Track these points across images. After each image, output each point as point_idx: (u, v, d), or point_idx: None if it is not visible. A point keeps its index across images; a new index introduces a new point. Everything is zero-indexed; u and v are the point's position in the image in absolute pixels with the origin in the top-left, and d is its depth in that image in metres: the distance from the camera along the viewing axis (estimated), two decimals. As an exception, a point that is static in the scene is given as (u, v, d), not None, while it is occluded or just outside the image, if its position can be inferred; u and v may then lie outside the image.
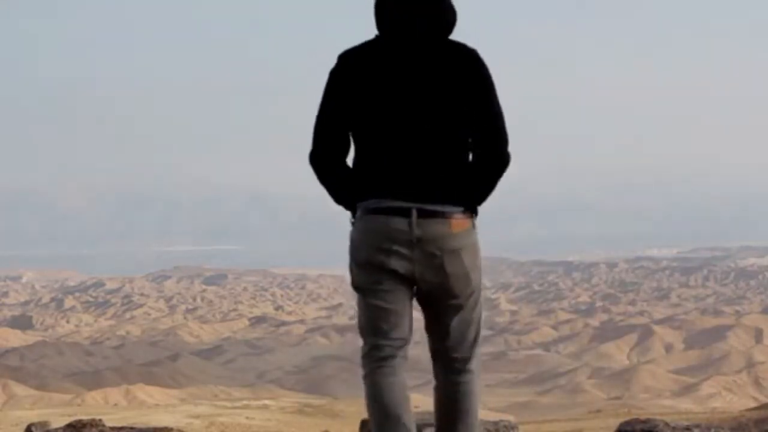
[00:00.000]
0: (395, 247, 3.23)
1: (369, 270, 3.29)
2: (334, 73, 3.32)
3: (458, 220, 3.27)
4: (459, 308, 3.33)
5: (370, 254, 3.27)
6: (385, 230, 3.24)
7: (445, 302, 3.32)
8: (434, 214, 3.23)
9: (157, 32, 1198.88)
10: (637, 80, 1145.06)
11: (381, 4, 3.32)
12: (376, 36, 3.33)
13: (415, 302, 3.40)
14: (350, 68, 3.28)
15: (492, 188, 3.33)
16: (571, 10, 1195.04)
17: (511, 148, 3.33)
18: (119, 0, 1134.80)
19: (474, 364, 3.43)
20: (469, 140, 3.29)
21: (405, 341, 3.34)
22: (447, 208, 3.25)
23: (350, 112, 3.28)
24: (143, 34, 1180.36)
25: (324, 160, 3.32)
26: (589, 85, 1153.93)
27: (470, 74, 3.23)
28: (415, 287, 3.32)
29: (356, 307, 3.42)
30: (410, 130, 3.22)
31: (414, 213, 3.22)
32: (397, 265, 3.25)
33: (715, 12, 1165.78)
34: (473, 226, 3.34)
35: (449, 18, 3.27)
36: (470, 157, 3.31)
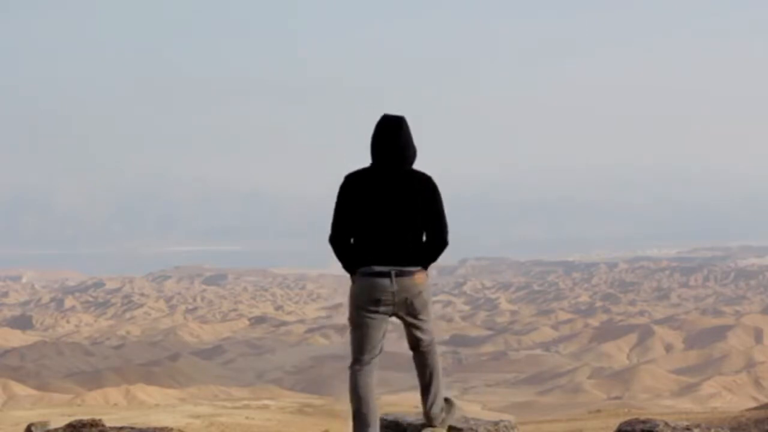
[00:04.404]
0: (383, 297, 5.63)
1: (365, 313, 5.67)
2: (343, 188, 5.68)
3: (419, 275, 5.68)
4: (423, 322, 5.80)
5: (366, 303, 5.65)
6: (376, 286, 5.62)
7: (414, 320, 5.77)
8: (405, 273, 5.64)
9: (158, 32, 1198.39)
10: (638, 80, 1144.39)
11: (373, 144, 5.68)
12: (370, 164, 5.71)
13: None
14: (352, 185, 5.66)
15: (435, 259, 5.71)
16: (572, 8, 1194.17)
17: (450, 236, 5.72)
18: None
19: (432, 343, 5.90)
20: (424, 230, 5.67)
21: (378, 354, 5.74)
22: (412, 268, 5.65)
23: (353, 213, 5.63)
24: (145, 33, 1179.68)
25: (338, 241, 5.70)
26: (589, 84, 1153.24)
27: (426, 192, 5.65)
28: (391, 319, 5.75)
29: (350, 334, 5.81)
30: (389, 225, 5.61)
31: (393, 273, 5.62)
32: (384, 309, 5.66)
33: (716, 12, 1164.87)
34: (427, 276, 5.74)
35: (412, 156, 5.72)
36: (424, 238, 5.70)
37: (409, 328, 5.81)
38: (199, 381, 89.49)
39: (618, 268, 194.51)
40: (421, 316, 5.76)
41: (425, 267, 5.73)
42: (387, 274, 5.59)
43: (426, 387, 5.93)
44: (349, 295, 5.75)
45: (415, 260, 5.66)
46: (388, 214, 5.60)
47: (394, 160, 5.66)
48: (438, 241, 5.68)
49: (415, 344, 5.89)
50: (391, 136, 5.67)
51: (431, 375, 5.92)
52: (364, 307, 5.64)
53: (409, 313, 5.71)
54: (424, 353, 5.90)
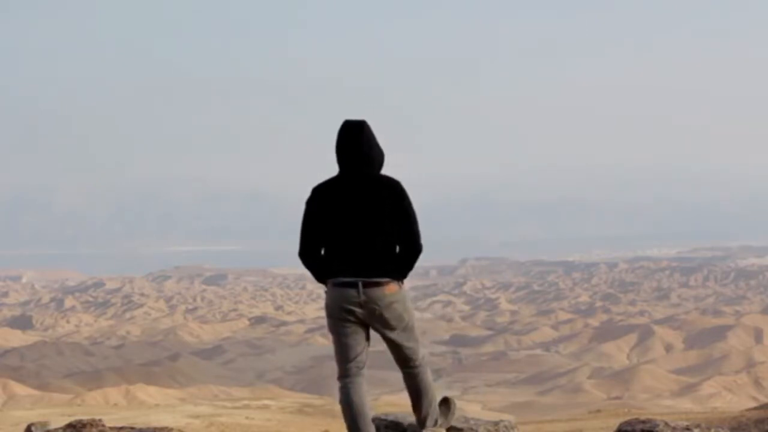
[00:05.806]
0: (351, 307, 5.50)
1: (338, 322, 5.57)
2: (310, 201, 5.57)
3: (390, 285, 5.50)
4: (401, 337, 5.62)
5: (337, 312, 5.54)
6: (344, 296, 5.50)
7: (390, 332, 5.60)
8: (373, 284, 5.48)
9: (158, 32, 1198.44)
10: (638, 80, 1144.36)
11: (337, 152, 5.57)
12: (337, 174, 5.59)
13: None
14: (320, 197, 5.55)
15: (411, 267, 5.54)
16: (572, 8, 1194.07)
17: (423, 241, 5.55)
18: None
19: (419, 362, 5.74)
20: (395, 236, 5.50)
21: (364, 364, 5.63)
22: (381, 279, 5.48)
23: (321, 225, 5.53)
24: (145, 33, 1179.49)
25: (307, 255, 5.62)
26: (590, 85, 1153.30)
27: (394, 198, 5.49)
28: (369, 328, 5.62)
29: (332, 344, 5.69)
30: (356, 233, 5.47)
31: (360, 284, 5.47)
32: (354, 317, 5.53)
33: (716, 12, 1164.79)
34: (400, 287, 5.56)
35: (380, 161, 5.59)
36: (396, 248, 5.53)
37: (389, 343, 5.67)
38: (199, 381, 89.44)
39: (618, 268, 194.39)
40: (398, 331, 5.60)
41: (401, 276, 5.57)
42: (354, 285, 5.47)
43: (414, 405, 5.88)
44: (325, 306, 5.68)
45: (386, 269, 5.50)
46: (355, 222, 5.48)
47: (359, 166, 5.53)
48: (410, 249, 5.52)
49: (399, 361, 5.75)
50: (354, 142, 5.54)
51: (417, 396, 5.83)
52: (337, 317, 5.56)
53: (383, 325, 5.56)
54: (408, 374, 5.77)
